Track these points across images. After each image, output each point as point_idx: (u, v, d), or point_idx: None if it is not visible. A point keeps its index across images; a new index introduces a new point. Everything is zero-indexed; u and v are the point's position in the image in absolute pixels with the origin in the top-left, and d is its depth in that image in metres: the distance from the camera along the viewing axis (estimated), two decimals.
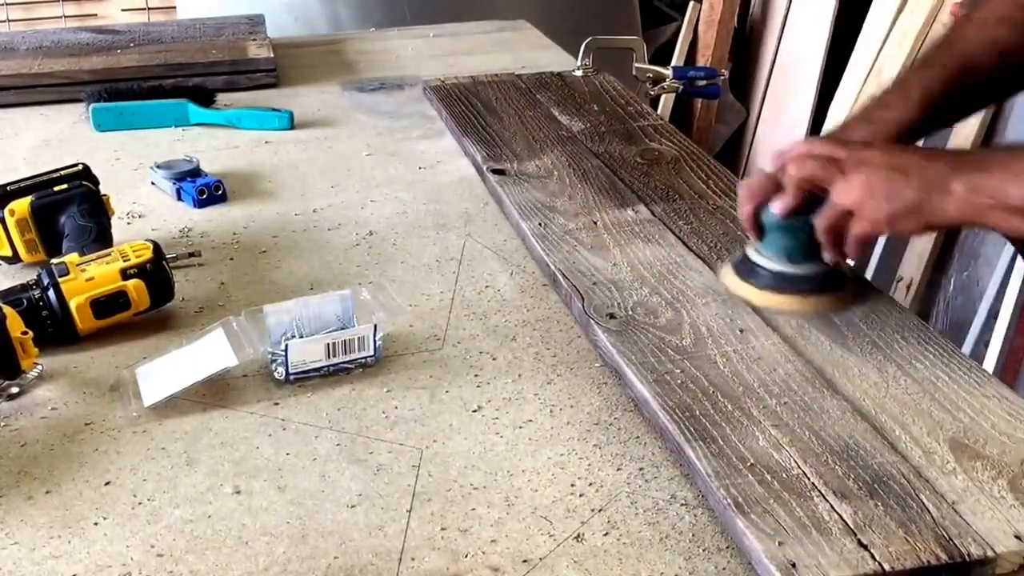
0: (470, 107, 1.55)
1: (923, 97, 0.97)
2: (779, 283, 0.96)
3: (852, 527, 0.67)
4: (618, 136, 1.43)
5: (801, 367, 0.86)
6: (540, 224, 1.14)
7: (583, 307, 0.96)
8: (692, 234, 1.11)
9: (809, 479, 0.72)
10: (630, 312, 0.95)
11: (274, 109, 1.55)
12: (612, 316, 0.94)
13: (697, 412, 0.80)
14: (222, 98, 1.66)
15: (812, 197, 0.90)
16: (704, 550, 0.69)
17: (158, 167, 1.33)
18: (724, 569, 0.68)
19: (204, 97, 1.60)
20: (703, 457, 0.74)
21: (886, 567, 0.64)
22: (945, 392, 0.83)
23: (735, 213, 1.14)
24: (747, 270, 0.98)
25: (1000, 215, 0.83)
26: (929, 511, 0.69)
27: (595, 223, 1.15)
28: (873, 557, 0.65)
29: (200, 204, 1.27)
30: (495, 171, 1.30)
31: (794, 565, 0.64)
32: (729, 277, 1.00)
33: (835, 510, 0.69)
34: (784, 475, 0.72)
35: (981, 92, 1.04)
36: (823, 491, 0.71)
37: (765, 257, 0.97)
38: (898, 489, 0.71)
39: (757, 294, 0.97)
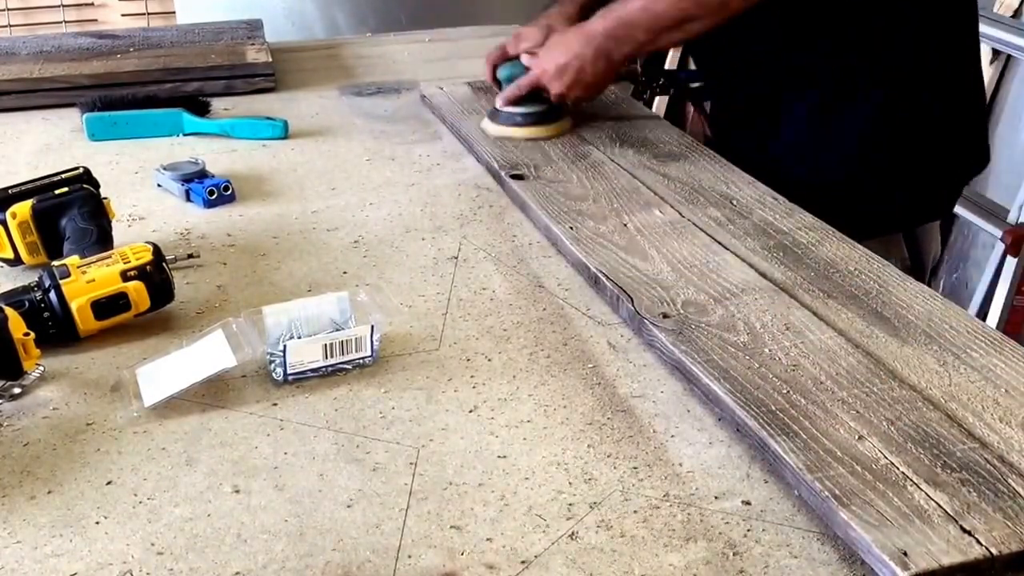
0: (475, 113, 1.56)
1: None
2: (517, 120, 1.43)
3: (952, 514, 0.69)
4: (627, 139, 1.44)
5: (862, 359, 0.88)
6: (571, 227, 1.15)
7: (634, 308, 0.97)
8: (723, 232, 1.13)
9: (899, 469, 0.73)
10: (681, 311, 0.96)
11: (269, 118, 1.56)
12: (665, 316, 0.95)
13: (773, 407, 0.81)
14: (220, 103, 1.67)
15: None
16: (697, 548, 0.70)
17: (165, 169, 1.34)
18: (718, 567, 0.69)
19: (199, 107, 1.61)
20: (790, 451, 0.76)
21: (993, 551, 0.65)
22: (1005, 379, 0.85)
23: (762, 213, 1.19)
24: (495, 115, 1.46)
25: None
26: (1020, 495, 0.71)
27: (625, 225, 1.16)
28: (979, 542, 0.66)
29: (210, 204, 1.29)
30: (514, 176, 1.31)
31: (906, 553, 0.65)
32: (486, 123, 1.47)
33: (931, 498, 0.70)
34: (873, 466, 0.74)
35: None
36: (915, 480, 0.72)
37: (505, 104, 1.44)
38: (986, 475, 0.73)
39: (503, 130, 1.44)
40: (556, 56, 1.37)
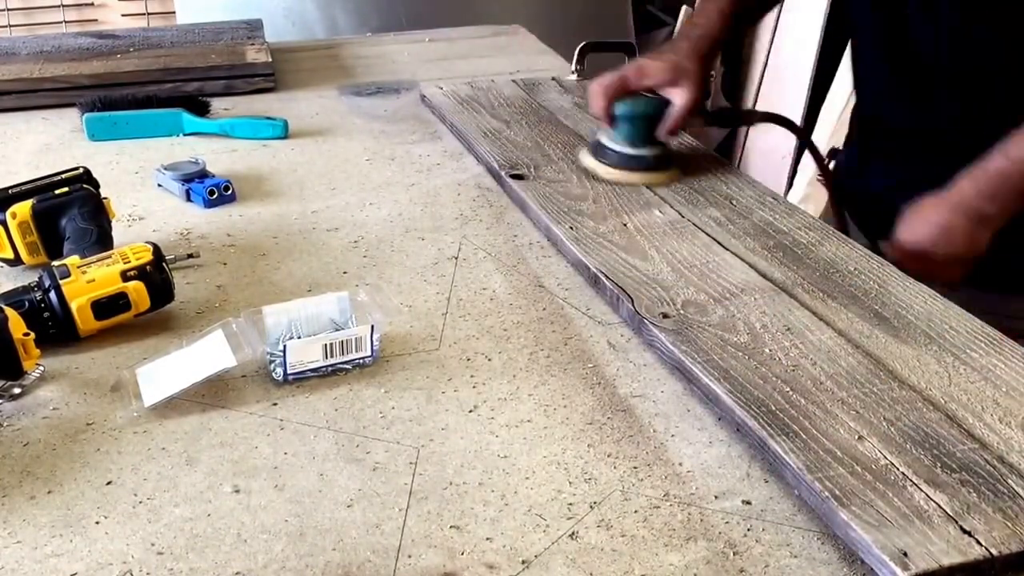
0: (475, 113, 1.56)
1: (720, 14, 1.30)
2: (625, 162, 1.26)
3: (952, 514, 0.69)
4: None
5: (862, 359, 0.88)
6: (571, 227, 1.15)
7: (634, 307, 0.97)
8: (723, 232, 1.14)
9: (898, 469, 0.74)
10: (681, 311, 0.97)
11: (269, 118, 1.56)
12: (665, 316, 0.96)
13: (773, 407, 0.81)
14: (220, 103, 1.67)
15: (653, 94, 1.25)
16: (697, 547, 0.70)
17: (165, 169, 1.34)
18: (718, 566, 0.69)
19: (199, 107, 1.61)
20: (790, 451, 0.76)
21: (993, 552, 0.66)
22: (1005, 379, 0.85)
23: (762, 213, 1.19)
24: (600, 152, 1.28)
25: None
26: (1020, 495, 0.71)
27: (625, 225, 1.16)
28: (979, 543, 0.66)
29: (210, 204, 1.29)
30: (514, 176, 1.31)
31: (906, 554, 0.65)
32: (587, 158, 1.31)
33: (931, 499, 0.70)
34: (873, 466, 0.74)
35: (760, 4, 1.40)
36: (915, 480, 0.72)
37: (615, 142, 1.27)
38: (986, 475, 0.73)
39: (607, 171, 1.27)
40: (918, 232, 1.11)
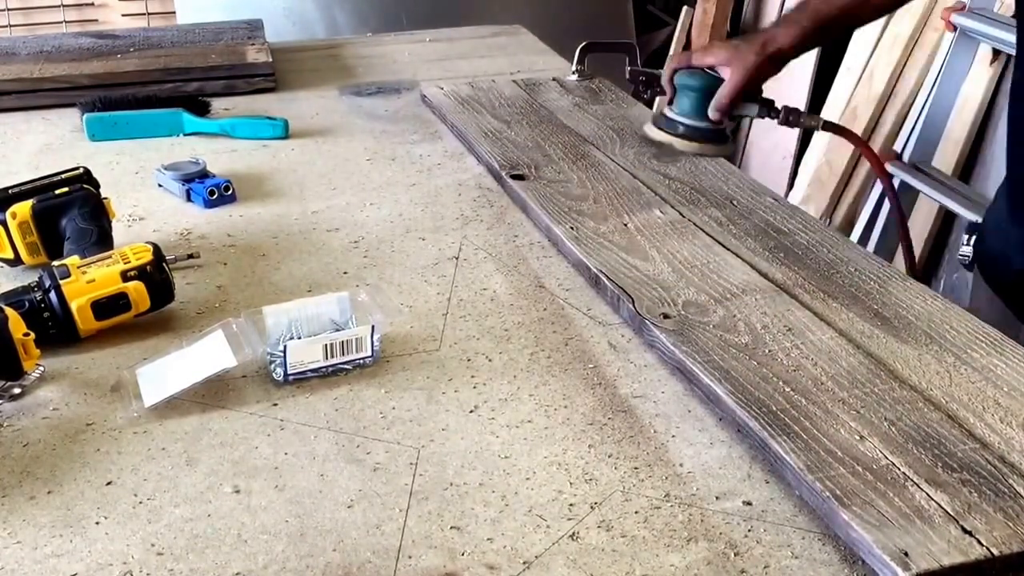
0: (476, 113, 1.56)
1: (812, 19, 1.26)
2: (675, 129, 1.29)
3: (952, 514, 0.69)
4: (628, 139, 1.44)
5: (863, 359, 0.88)
6: (572, 227, 1.15)
7: (634, 308, 0.97)
8: (724, 233, 1.14)
9: (899, 469, 0.74)
10: (682, 311, 0.96)
11: (269, 117, 1.56)
12: (666, 316, 0.95)
13: (774, 408, 0.81)
14: (220, 103, 1.67)
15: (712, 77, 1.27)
16: (698, 548, 0.70)
17: (166, 169, 1.34)
18: (719, 567, 0.69)
19: (199, 107, 1.61)
20: (791, 451, 0.76)
21: (994, 551, 0.66)
22: (1005, 379, 0.85)
23: (763, 214, 1.19)
24: (661, 120, 1.32)
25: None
26: (1021, 495, 0.71)
27: (626, 225, 1.16)
28: (980, 543, 0.66)
29: (210, 204, 1.28)
30: (515, 176, 1.31)
31: (907, 554, 0.65)
32: (649, 127, 1.34)
33: (932, 498, 0.71)
34: (874, 466, 0.74)
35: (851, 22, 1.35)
36: (916, 480, 0.72)
37: (673, 112, 1.30)
38: (987, 475, 0.73)
39: (661, 135, 1.31)
40: None
